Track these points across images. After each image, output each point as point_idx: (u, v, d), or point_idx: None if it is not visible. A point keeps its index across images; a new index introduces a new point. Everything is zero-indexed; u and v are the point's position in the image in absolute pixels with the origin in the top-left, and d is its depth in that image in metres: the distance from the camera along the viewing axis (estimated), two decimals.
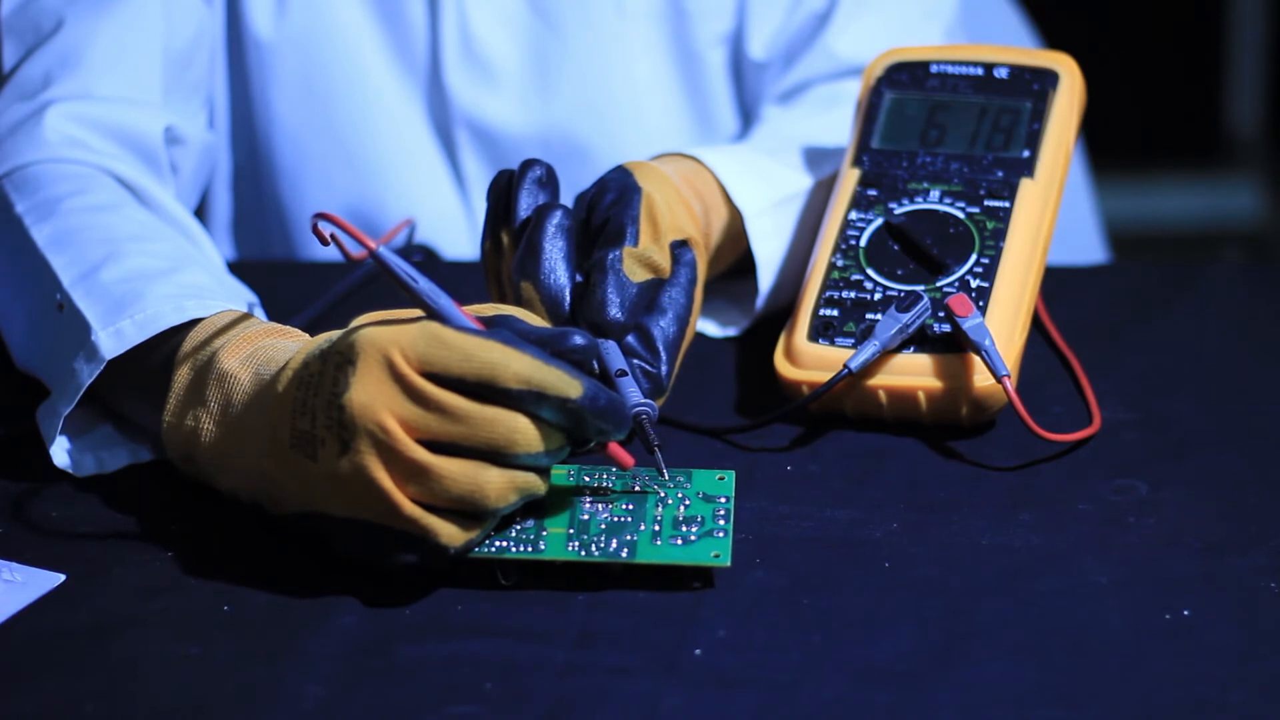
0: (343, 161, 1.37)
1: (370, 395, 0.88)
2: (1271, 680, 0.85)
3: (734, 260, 1.16)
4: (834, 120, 1.24)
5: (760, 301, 1.15)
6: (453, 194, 1.38)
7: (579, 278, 1.04)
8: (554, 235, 1.03)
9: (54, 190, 1.11)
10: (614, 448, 0.92)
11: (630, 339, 1.02)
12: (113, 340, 0.99)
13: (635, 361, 1.02)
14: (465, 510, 0.89)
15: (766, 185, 1.16)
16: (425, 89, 1.37)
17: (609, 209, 1.05)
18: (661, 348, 1.02)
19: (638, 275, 1.03)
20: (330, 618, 0.89)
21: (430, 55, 1.36)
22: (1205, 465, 1.03)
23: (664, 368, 1.02)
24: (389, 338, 0.88)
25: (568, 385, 0.88)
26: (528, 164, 1.06)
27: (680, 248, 1.06)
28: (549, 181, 1.07)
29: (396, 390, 0.88)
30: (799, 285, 1.12)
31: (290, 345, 0.95)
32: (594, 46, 1.35)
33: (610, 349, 1.00)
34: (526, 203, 1.06)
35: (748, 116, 1.38)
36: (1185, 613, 0.89)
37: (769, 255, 1.15)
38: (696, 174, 1.13)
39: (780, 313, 1.15)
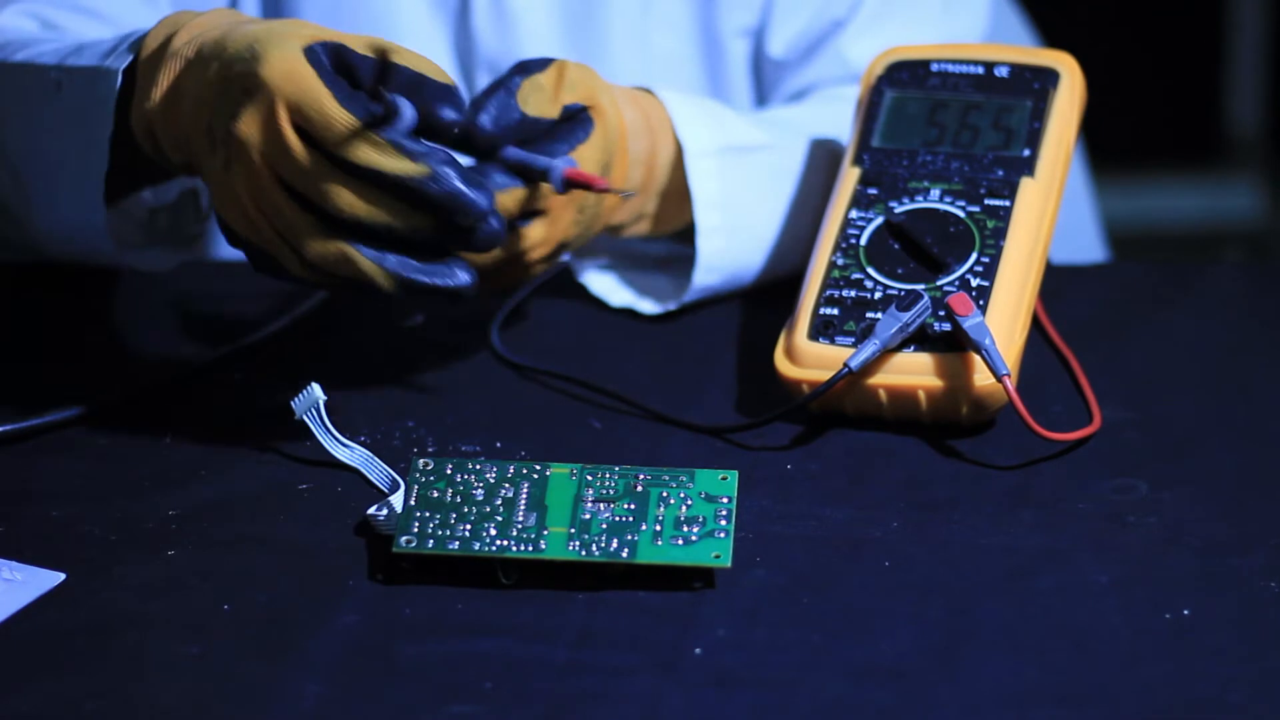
0: None
1: (251, 134, 0.96)
2: (1271, 680, 0.85)
3: (682, 220, 1.16)
4: (825, 112, 1.24)
5: (700, 244, 1.15)
6: None
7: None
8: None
9: (33, 44, 1.14)
10: (576, 173, 1.00)
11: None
12: (121, 60, 1.04)
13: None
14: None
15: (716, 130, 1.16)
16: (453, 29, 1.37)
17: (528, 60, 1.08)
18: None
19: (529, 107, 1.04)
20: (330, 618, 0.89)
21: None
22: (1205, 465, 1.03)
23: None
24: (280, 79, 0.95)
25: (412, 166, 0.96)
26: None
27: (584, 111, 1.06)
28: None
29: (272, 133, 0.96)
30: (784, 262, 1.12)
31: (228, 28, 1.00)
32: (616, 12, 1.36)
33: (509, 149, 1.02)
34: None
35: None
36: (1185, 613, 0.89)
37: (709, 194, 1.15)
38: (649, 101, 1.15)
39: (766, 295, 1.15)
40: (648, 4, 1.36)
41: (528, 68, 1.06)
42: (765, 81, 1.38)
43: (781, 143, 1.20)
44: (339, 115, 0.95)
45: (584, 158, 1.04)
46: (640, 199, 1.14)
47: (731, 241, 1.17)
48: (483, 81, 1.37)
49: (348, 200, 0.96)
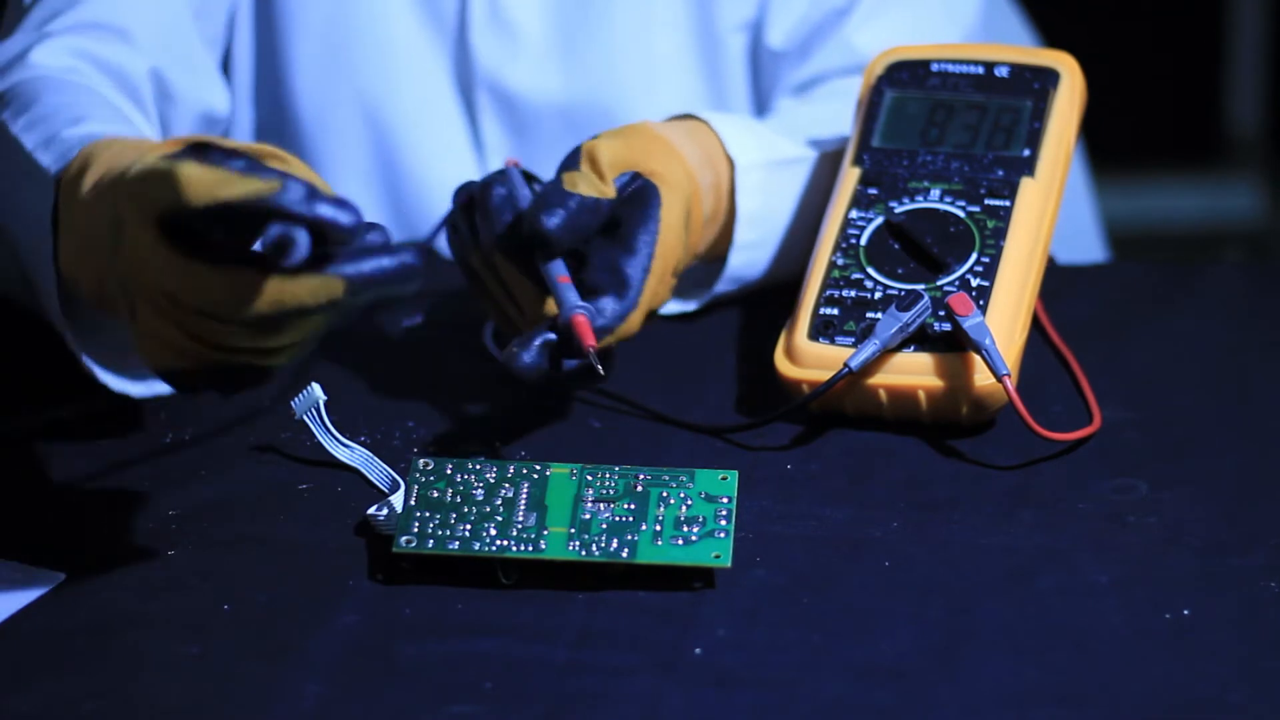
0: (364, 118, 1.37)
1: (133, 266, 0.85)
2: (1271, 680, 0.85)
3: (728, 239, 1.16)
4: (843, 109, 1.24)
5: (733, 256, 1.15)
6: (470, 158, 1.38)
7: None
8: (498, 206, 1.03)
9: (44, 96, 1.10)
10: (577, 321, 0.96)
11: (593, 274, 1.02)
12: (58, 162, 0.98)
13: (593, 301, 1.01)
14: (259, 329, 0.85)
15: (760, 146, 1.16)
16: (451, 49, 1.37)
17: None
18: (626, 270, 1.02)
19: (581, 189, 1.03)
20: (330, 618, 0.89)
21: (458, 15, 1.36)
22: (1205, 465, 1.03)
23: (630, 291, 1.02)
24: (137, 199, 0.84)
25: (266, 185, 0.82)
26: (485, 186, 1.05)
27: (639, 180, 1.05)
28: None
29: (151, 257, 0.84)
30: (794, 265, 1.11)
31: (122, 167, 0.91)
32: (617, 19, 1.36)
33: (554, 264, 1.01)
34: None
35: (762, 106, 1.39)
36: (1185, 612, 0.89)
37: (750, 210, 1.15)
38: (697, 127, 1.14)
39: (766, 298, 1.14)
40: (647, 7, 1.36)
41: (564, 166, 1.05)
42: (765, 74, 1.38)
43: (812, 153, 1.20)
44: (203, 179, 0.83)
45: (670, 223, 1.04)
46: (712, 225, 1.14)
47: (756, 254, 1.17)
48: (483, 102, 1.37)
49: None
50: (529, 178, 1.10)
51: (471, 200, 1.07)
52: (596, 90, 1.36)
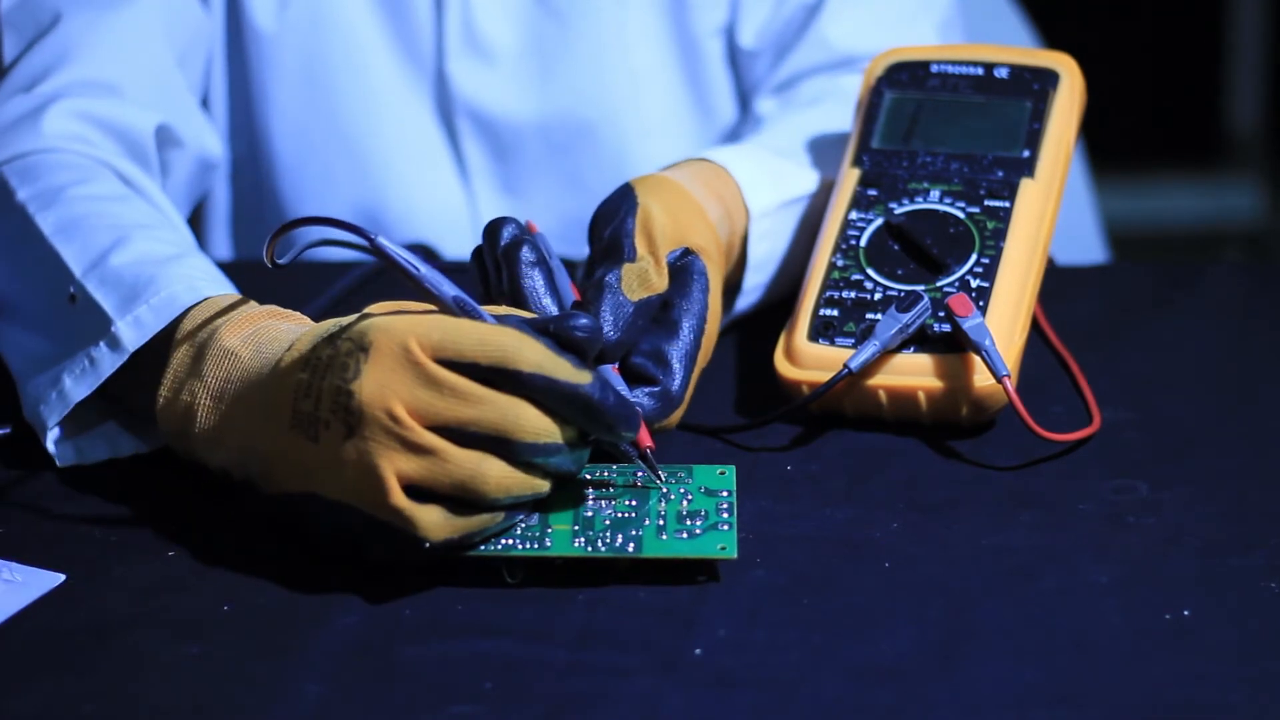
0: (344, 153, 1.37)
1: (381, 383, 0.88)
2: (1271, 680, 0.85)
3: (736, 278, 1.16)
4: (834, 109, 1.24)
5: (739, 300, 1.15)
6: (455, 184, 1.38)
7: (575, 297, 1.03)
8: (528, 273, 1.01)
9: (56, 179, 1.11)
10: (642, 442, 0.94)
11: (639, 359, 1.01)
12: (132, 330, 0.99)
13: (639, 390, 1.00)
14: (463, 498, 0.89)
15: (774, 187, 1.15)
16: (429, 78, 1.37)
17: (608, 229, 1.04)
18: (674, 361, 1.01)
19: (636, 293, 1.01)
20: (330, 618, 0.89)
21: (435, 44, 1.36)
22: (1205, 465, 1.03)
23: (675, 380, 1.01)
24: (405, 326, 0.89)
25: (577, 374, 0.89)
26: (512, 246, 1.02)
27: (687, 257, 1.04)
28: (536, 255, 1.03)
29: (408, 377, 0.88)
30: (792, 283, 1.11)
31: (292, 328, 0.96)
32: (594, 35, 1.36)
33: (605, 371, 0.99)
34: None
35: (745, 105, 1.38)
36: (1185, 613, 0.89)
37: (758, 257, 1.14)
38: (717, 175, 1.13)
39: (768, 307, 1.14)
40: (622, 23, 1.36)
41: (615, 248, 1.02)
42: (745, 76, 1.37)
43: (818, 181, 1.19)
44: (496, 330, 0.89)
45: (714, 308, 1.03)
46: (723, 274, 1.13)
47: (758, 294, 1.16)
48: (464, 128, 1.37)
49: (532, 417, 0.89)
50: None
51: (498, 266, 1.04)
52: (578, 107, 1.36)
